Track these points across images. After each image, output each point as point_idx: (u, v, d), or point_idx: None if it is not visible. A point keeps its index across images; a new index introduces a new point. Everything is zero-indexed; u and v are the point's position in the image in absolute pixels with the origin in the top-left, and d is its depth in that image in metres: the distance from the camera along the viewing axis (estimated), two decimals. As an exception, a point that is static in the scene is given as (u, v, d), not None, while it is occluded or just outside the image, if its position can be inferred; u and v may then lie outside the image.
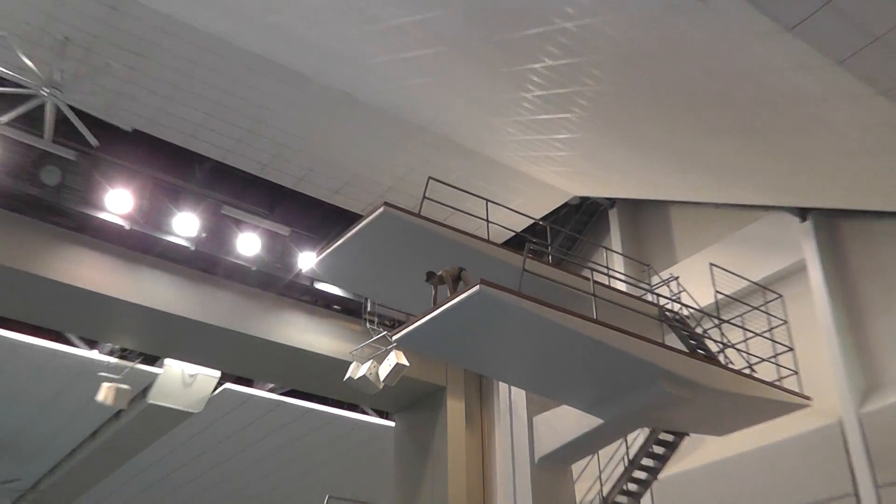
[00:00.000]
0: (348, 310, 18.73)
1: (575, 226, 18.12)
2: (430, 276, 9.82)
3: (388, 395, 17.10)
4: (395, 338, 9.86)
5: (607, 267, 14.15)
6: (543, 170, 15.77)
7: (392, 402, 19.50)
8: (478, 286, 8.88)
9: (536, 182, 16.39)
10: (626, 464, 12.25)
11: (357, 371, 15.53)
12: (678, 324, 12.18)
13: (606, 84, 11.04)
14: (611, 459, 12.81)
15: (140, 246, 16.38)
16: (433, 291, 9.81)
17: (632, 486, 12.12)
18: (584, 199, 17.80)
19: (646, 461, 12.34)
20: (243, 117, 15.08)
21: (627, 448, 12.72)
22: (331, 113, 14.74)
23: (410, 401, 19.28)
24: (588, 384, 10.66)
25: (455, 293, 9.07)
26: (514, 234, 15.67)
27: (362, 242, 10.85)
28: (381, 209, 10.56)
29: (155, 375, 19.02)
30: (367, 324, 17.74)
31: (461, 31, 10.73)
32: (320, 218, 17.93)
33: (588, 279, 10.88)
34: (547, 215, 17.16)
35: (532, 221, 15.95)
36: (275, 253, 17.67)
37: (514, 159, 15.61)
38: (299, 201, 17.37)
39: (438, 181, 11.44)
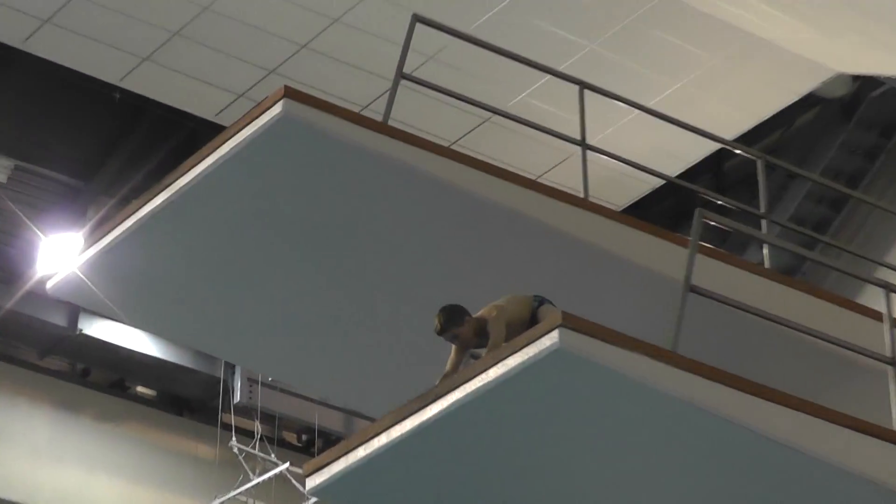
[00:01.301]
0: (178, 399, 17.77)
1: (835, 162, 16.37)
2: (456, 317, 8.39)
3: None
4: (310, 486, 8.23)
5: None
6: None
7: None
8: (556, 330, 7.25)
9: (725, 28, 14.37)
10: None
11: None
12: None
13: None
14: None
15: None
16: (452, 356, 8.42)
17: None
18: (861, 86, 16.20)
19: None
20: None
21: None
22: None
23: None
24: None
25: (497, 352, 7.74)
26: (664, 181, 14.75)
27: (221, 202, 9.28)
28: (275, 108, 8.89)
29: None
30: (234, 440, 16.64)
31: None
32: (97, 133, 16.42)
33: (880, 318, 8.71)
34: (754, 130, 15.47)
35: (715, 147, 14.92)
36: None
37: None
38: (38, 87, 15.86)
39: (439, 27, 9.45)
